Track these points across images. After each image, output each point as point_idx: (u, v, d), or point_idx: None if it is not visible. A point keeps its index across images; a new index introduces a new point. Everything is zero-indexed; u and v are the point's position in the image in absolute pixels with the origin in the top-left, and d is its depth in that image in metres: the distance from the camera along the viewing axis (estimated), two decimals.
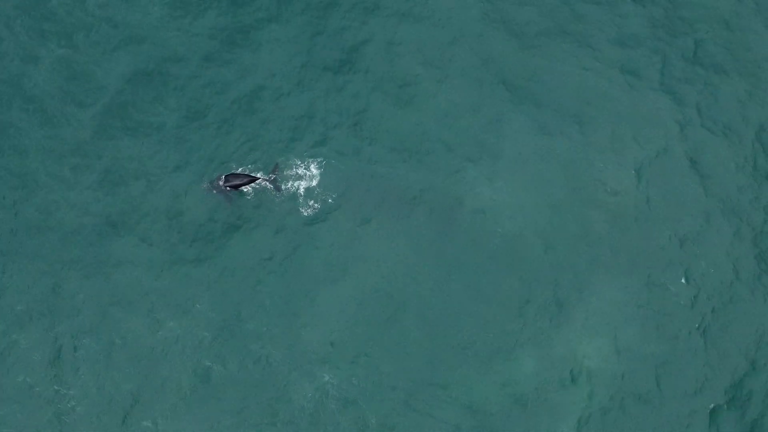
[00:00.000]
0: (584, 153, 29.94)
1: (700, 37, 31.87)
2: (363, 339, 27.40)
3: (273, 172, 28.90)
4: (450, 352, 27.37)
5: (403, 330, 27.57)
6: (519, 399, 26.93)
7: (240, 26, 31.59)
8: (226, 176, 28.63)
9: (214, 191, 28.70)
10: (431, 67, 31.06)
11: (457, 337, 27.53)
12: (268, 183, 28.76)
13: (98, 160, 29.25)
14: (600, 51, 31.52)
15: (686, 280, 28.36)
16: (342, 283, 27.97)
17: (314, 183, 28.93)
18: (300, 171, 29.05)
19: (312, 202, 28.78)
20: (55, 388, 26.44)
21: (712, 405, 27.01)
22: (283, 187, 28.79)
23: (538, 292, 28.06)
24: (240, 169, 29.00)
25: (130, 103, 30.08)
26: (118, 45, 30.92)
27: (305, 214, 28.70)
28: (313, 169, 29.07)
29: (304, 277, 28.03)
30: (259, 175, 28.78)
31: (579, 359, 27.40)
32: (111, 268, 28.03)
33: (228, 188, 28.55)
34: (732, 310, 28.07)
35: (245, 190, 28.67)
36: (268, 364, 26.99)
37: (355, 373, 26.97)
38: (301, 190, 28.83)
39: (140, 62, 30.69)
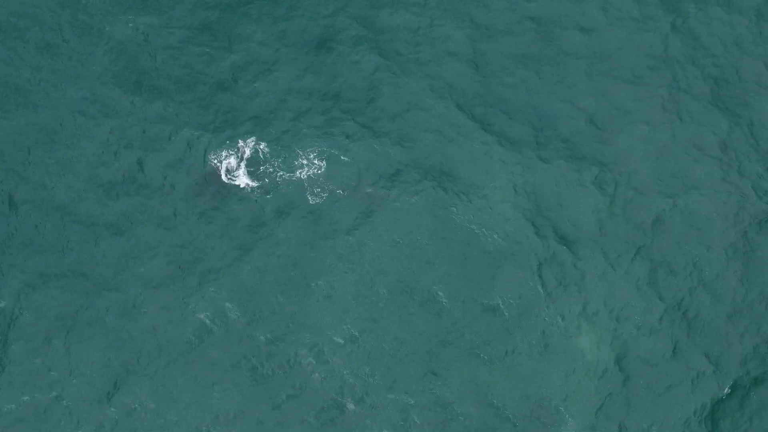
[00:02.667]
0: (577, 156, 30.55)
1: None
2: (368, 326, 27.74)
3: (239, 152, 29.14)
4: (453, 340, 27.74)
5: (408, 316, 27.92)
6: (522, 389, 27.33)
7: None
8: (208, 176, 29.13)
9: (207, 186, 29.20)
10: (437, 59, 31.67)
11: (460, 324, 27.90)
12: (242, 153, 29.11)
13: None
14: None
15: (684, 268, 28.94)
16: (348, 270, 28.29)
17: (319, 172, 29.21)
18: (304, 160, 29.30)
19: (318, 190, 29.04)
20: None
21: (713, 397, 27.58)
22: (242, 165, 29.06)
23: (540, 283, 28.54)
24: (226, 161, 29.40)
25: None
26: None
27: (312, 202, 28.99)
28: (316, 160, 29.32)
29: (311, 262, 28.34)
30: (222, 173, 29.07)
31: (581, 350, 27.81)
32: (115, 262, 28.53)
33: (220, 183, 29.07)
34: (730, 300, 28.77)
35: (248, 183, 29.13)
36: (280, 346, 27.49)
37: (360, 355, 27.44)
38: (306, 179, 29.08)
39: None
